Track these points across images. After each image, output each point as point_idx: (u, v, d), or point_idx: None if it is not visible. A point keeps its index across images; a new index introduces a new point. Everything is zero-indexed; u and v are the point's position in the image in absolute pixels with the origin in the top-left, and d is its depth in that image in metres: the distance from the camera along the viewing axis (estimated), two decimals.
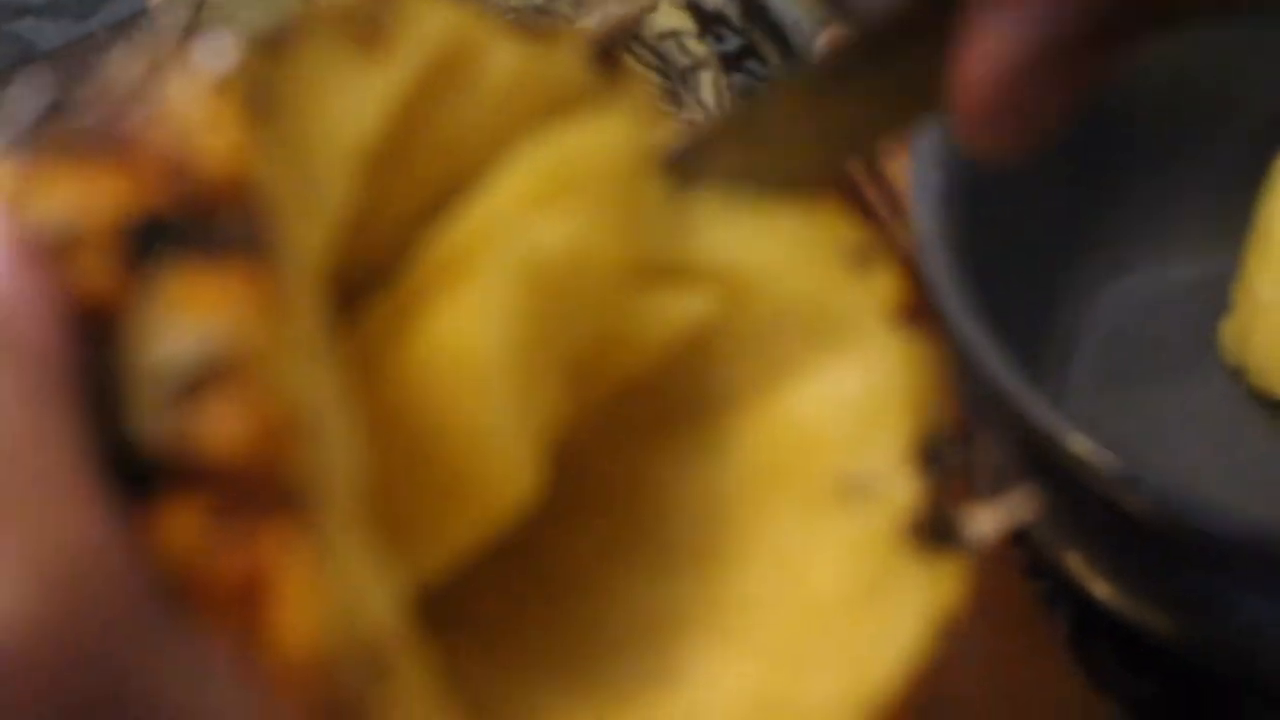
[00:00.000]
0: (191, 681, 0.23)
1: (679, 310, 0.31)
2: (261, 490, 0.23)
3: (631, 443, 0.32)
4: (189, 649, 0.23)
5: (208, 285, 0.23)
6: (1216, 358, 0.49)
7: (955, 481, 0.30)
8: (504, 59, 0.30)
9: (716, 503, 0.32)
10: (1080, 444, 0.39)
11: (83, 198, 0.24)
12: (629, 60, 0.32)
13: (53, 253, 0.24)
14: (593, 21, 0.32)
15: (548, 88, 0.31)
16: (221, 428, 0.23)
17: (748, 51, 0.55)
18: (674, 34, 0.56)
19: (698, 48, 0.55)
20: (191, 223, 0.24)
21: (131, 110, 0.25)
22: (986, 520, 0.30)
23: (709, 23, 0.56)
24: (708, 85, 0.55)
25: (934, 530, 0.29)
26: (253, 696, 0.23)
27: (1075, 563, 0.44)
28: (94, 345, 0.23)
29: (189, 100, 0.25)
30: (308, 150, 0.27)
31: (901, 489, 0.30)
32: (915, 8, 0.29)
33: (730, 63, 0.55)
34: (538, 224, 0.29)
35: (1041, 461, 0.41)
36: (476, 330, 0.27)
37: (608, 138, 0.30)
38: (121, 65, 0.26)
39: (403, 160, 0.30)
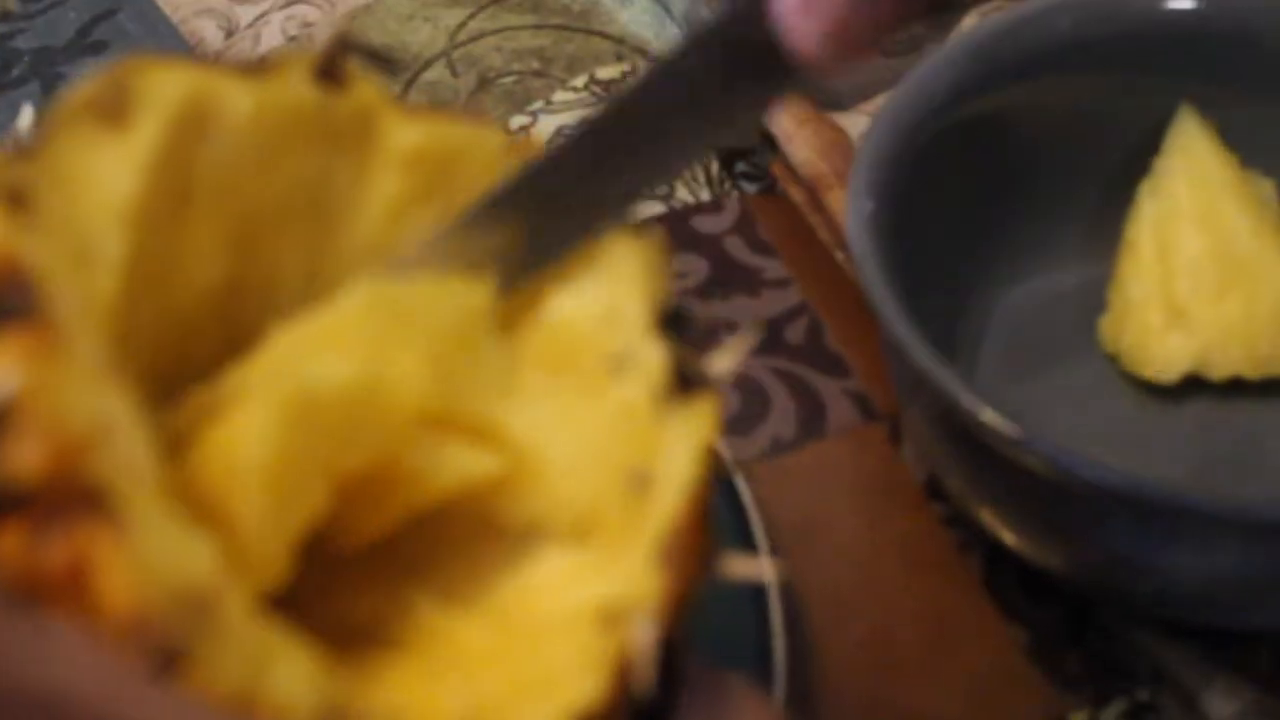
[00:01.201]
0: (47, 657, 0.25)
1: (464, 465, 0.32)
2: (66, 497, 0.25)
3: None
4: (39, 634, 0.25)
5: None
6: (1096, 347, 0.52)
7: (693, 336, 0.32)
8: (239, 99, 0.31)
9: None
10: (989, 415, 0.42)
11: None
12: (355, 71, 0.33)
13: None
14: (313, 44, 0.34)
15: (285, 112, 0.32)
16: (19, 458, 0.25)
17: None
18: None
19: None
20: None
21: None
22: (722, 361, 0.32)
23: None
24: None
25: (685, 379, 0.31)
26: (101, 657, 0.25)
27: (985, 514, 0.47)
28: None
29: None
30: (74, 218, 0.29)
31: (652, 353, 0.32)
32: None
33: None
34: (321, 361, 0.30)
35: (958, 431, 0.45)
36: (239, 445, 0.29)
37: (446, 293, 0.32)
38: None
39: (184, 203, 0.31)
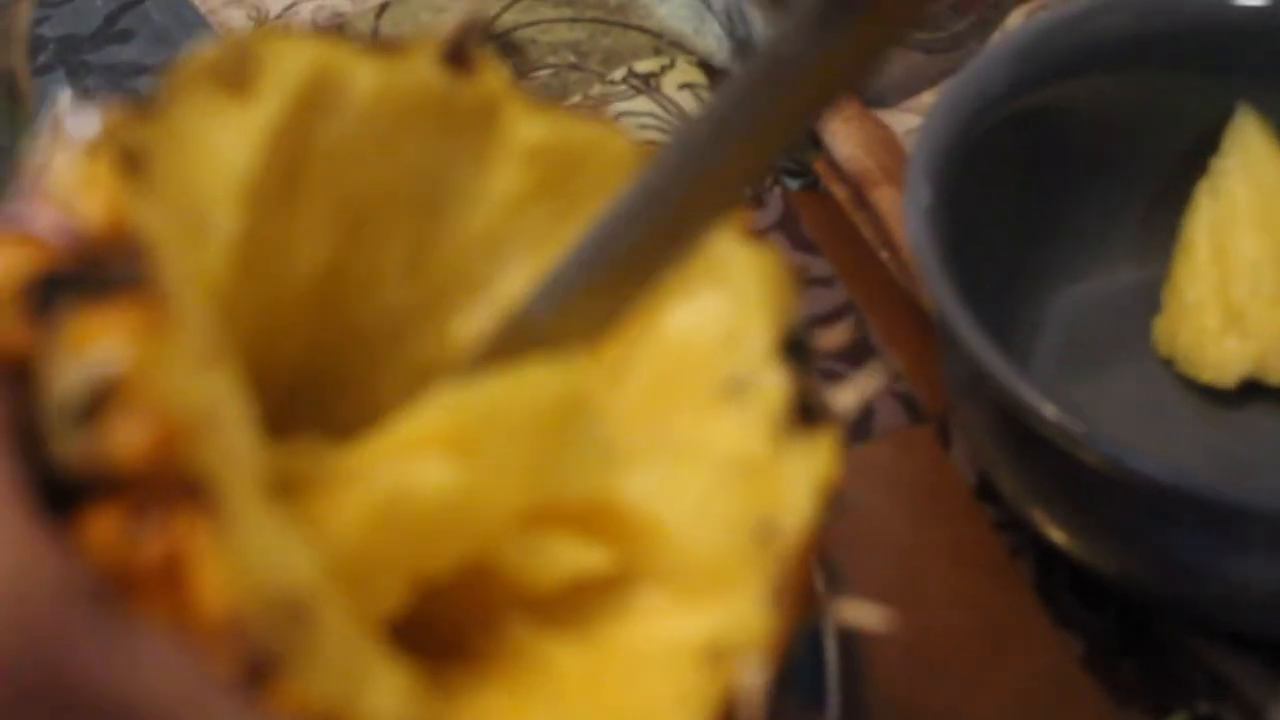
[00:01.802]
0: (128, 661, 0.23)
1: (572, 560, 0.30)
2: (166, 486, 0.23)
3: None
4: (122, 634, 0.23)
5: (99, 320, 0.24)
6: (1151, 350, 0.51)
7: (815, 366, 0.31)
8: (365, 78, 0.30)
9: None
10: (1053, 411, 0.41)
11: None
12: (484, 58, 0.31)
13: None
14: (444, 27, 0.31)
15: (410, 95, 0.31)
16: (122, 440, 0.23)
17: None
18: (690, 85, 0.59)
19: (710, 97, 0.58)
20: (83, 272, 0.25)
21: (30, 187, 0.26)
22: (847, 396, 0.30)
23: (717, 76, 0.59)
24: (671, 84, 0.57)
25: (808, 411, 0.30)
26: (185, 663, 0.23)
27: (1039, 516, 0.46)
28: (16, 393, 0.24)
29: (69, 168, 0.26)
30: (189, 189, 0.28)
31: (773, 381, 0.30)
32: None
33: None
34: (417, 466, 0.28)
35: (1015, 428, 0.43)
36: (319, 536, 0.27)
37: (533, 386, 0.29)
38: (33, 151, 0.27)
39: (298, 181, 0.30)
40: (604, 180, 0.32)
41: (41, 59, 0.65)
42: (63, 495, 0.24)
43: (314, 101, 0.30)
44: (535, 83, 0.61)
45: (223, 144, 0.28)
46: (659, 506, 0.30)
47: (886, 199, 0.54)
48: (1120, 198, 0.52)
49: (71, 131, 0.26)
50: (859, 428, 0.52)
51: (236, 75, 0.29)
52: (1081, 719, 0.46)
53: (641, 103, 0.58)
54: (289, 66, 0.29)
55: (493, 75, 0.32)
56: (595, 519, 0.30)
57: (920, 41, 0.60)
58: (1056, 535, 0.46)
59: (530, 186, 0.33)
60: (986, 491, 0.50)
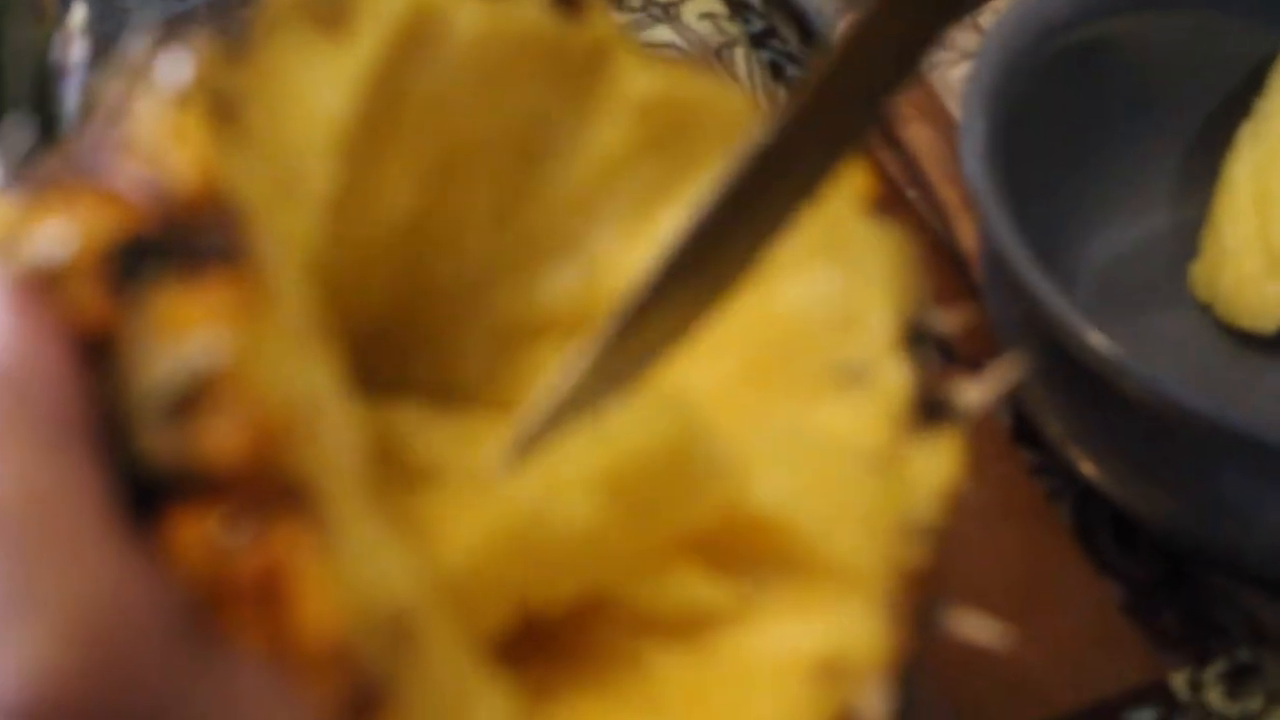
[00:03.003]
0: (224, 702, 0.22)
1: (691, 596, 0.28)
2: (266, 491, 0.21)
3: None
4: (218, 672, 0.22)
5: (192, 300, 0.22)
6: (1188, 294, 0.50)
7: (940, 358, 0.29)
8: (468, 19, 0.28)
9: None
10: (1098, 339, 0.40)
11: (68, 230, 0.22)
12: (593, 2, 0.30)
13: (45, 287, 0.22)
14: None
15: (515, 37, 0.29)
16: (218, 438, 0.21)
17: (770, 33, 0.56)
18: (710, 15, 0.56)
19: (730, 27, 0.56)
20: (171, 239, 0.22)
21: (108, 136, 0.24)
22: (975, 392, 0.29)
23: (737, 7, 0.57)
24: (740, 60, 0.56)
25: (928, 408, 0.28)
26: (285, 702, 0.22)
27: (1082, 459, 0.45)
28: (95, 375, 0.22)
29: (155, 118, 0.23)
30: (282, 141, 0.25)
31: (893, 373, 0.28)
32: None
33: (757, 41, 0.56)
34: (562, 496, 0.26)
35: (1063, 365, 0.42)
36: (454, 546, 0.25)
37: (657, 426, 0.27)
38: (106, 90, 0.24)
39: (391, 129, 0.28)
40: (715, 141, 0.30)
41: None
42: (146, 496, 0.22)
43: (413, 43, 0.28)
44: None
45: (319, 89, 0.26)
46: (792, 510, 0.28)
47: (920, 137, 0.52)
48: (1160, 139, 0.51)
49: (160, 75, 0.23)
50: None
51: (332, 14, 0.27)
52: (1121, 665, 0.45)
53: (661, 31, 0.56)
54: (387, 5, 0.27)
55: (603, 20, 0.30)
56: (730, 539, 0.28)
57: None
58: (1100, 478, 0.45)
59: (637, 143, 0.30)
60: (1024, 435, 0.48)
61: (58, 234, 0.22)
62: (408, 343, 0.31)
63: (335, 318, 0.27)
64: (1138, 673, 0.45)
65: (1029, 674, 0.45)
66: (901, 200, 0.54)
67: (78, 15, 0.31)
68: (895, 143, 0.53)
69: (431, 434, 0.27)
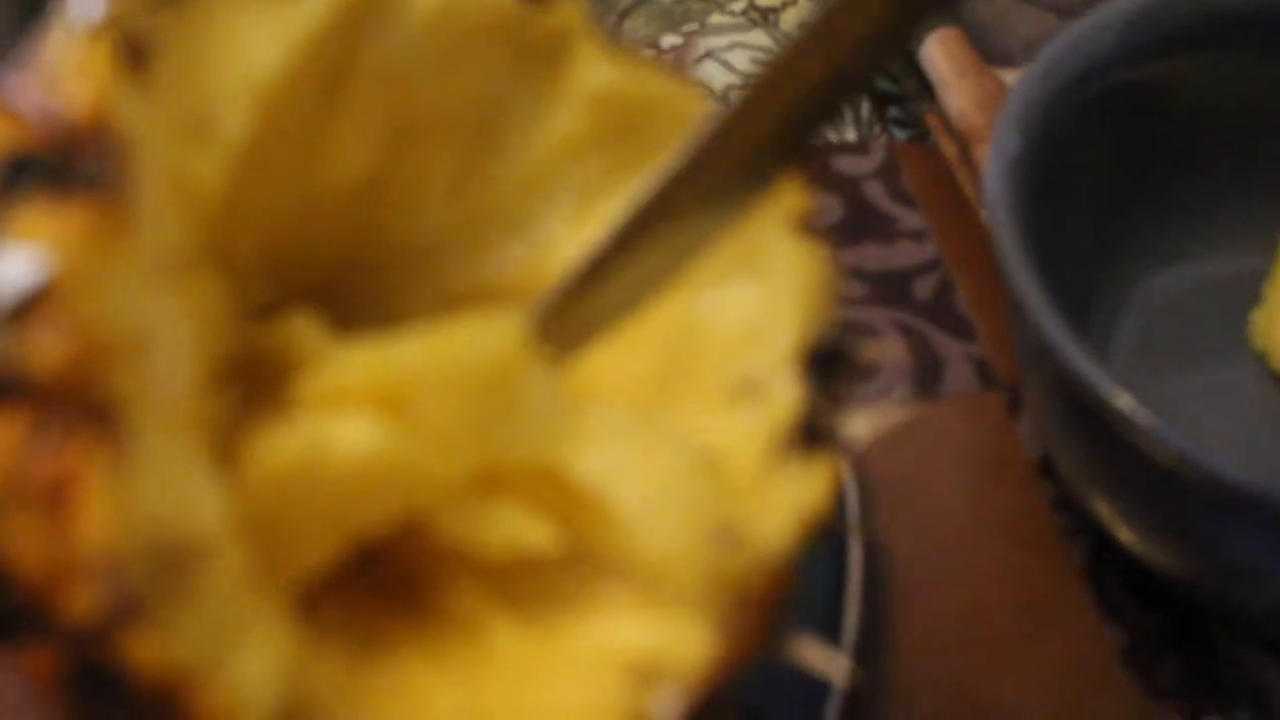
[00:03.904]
0: None
1: (515, 533, 0.28)
2: (76, 405, 0.22)
3: None
4: None
5: (51, 219, 0.23)
6: (1245, 344, 0.48)
7: (837, 384, 0.28)
8: None
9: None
10: (1123, 400, 0.38)
11: None
12: None
13: None
14: None
15: (476, 16, 0.29)
16: (42, 348, 0.22)
17: None
18: None
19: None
20: (54, 162, 0.23)
21: (28, 58, 0.25)
22: (860, 424, 0.28)
23: None
24: (791, 20, 0.55)
25: (812, 433, 0.28)
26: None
27: (1097, 501, 0.43)
28: None
29: (65, 49, 0.24)
30: (199, 86, 0.26)
31: (786, 392, 0.28)
32: None
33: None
34: (338, 424, 0.26)
35: (1080, 410, 0.41)
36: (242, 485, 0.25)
37: (471, 344, 0.27)
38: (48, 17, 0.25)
39: (341, 93, 0.28)
40: (668, 139, 0.30)
41: None
42: None
43: (368, 11, 0.28)
44: (658, 7, 0.59)
45: (252, 42, 0.26)
46: (612, 485, 0.27)
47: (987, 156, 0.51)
48: (1227, 184, 0.49)
49: (74, 10, 0.24)
50: (928, 386, 0.50)
51: None
52: (1113, 711, 0.44)
53: (757, 36, 0.57)
54: None
55: (568, 8, 0.30)
56: (541, 491, 0.28)
57: (1054, 2, 0.57)
58: (1112, 523, 0.44)
59: (589, 132, 0.31)
60: (1048, 467, 0.48)
61: None
62: (354, 300, 0.32)
63: (276, 265, 0.28)
64: (1126, 718, 0.44)
65: (1015, 703, 0.44)
66: (973, 221, 0.54)
67: None
68: (970, 163, 0.53)
69: (317, 355, 0.28)
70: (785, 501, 0.27)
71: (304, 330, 0.29)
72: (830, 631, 0.40)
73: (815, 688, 0.39)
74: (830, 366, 0.28)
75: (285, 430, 0.26)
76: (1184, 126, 0.48)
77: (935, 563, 0.46)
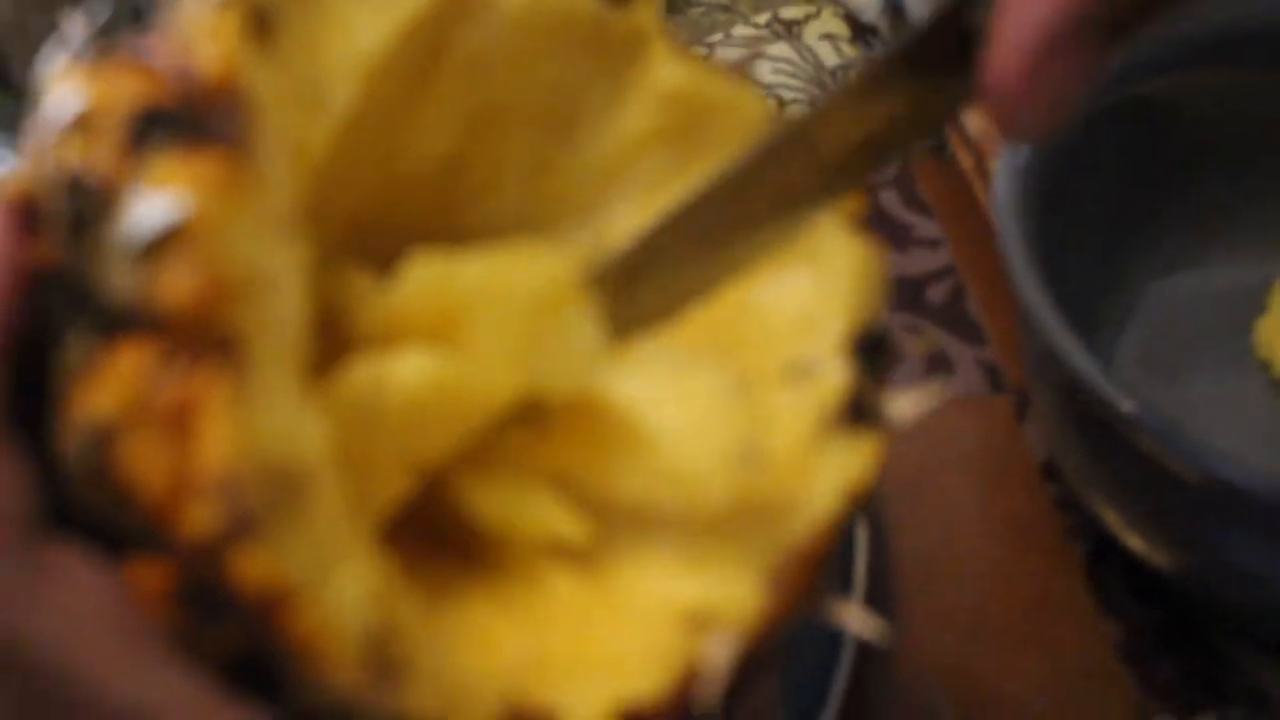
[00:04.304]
0: (36, 604, 0.24)
1: (545, 522, 0.29)
2: (202, 338, 0.24)
3: None
4: (36, 579, 0.24)
5: (185, 167, 0.24)
6: (1249, 351, 0.49)
7: (882, 369, 0.30)
8: None
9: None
10: (1128, 405, 0.39)
11: (106, 92, 0.26)
12: None
13: (77, 132, 0.25)
14: None
15: (561, 13, 0.31)
16: (173, 284, 0.24)
17: None
18: (830, 37, 0.57)
19: (850, 50, 0.57)
20: (185, 117, 0.25)
21: (163, 22, 0.27)
22: (903, 405, 0.30)
23: (862, 31, 0.58)
24: (814, 32, 0.56)
25: (859, 411, 0.29)
26: (101, 614, 0.24)
27: (1099, 502, 0.44)
28: (92, 218, 0.25)
29: (199, 16, 0.26)
30: (314, 59, 0.28)
31: (836, 374, 0.29)
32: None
33: None
34: (394, 360, 0.28)
35: (1084, 412, 0.42)
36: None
37: (518, 271, 0.29)
38: None
39: (432, 76, 0.30)
40: (730, 140, 0.32)
41: None
42: (110, 324, 0.25)
43: (463, 2, 0.30)
44: (686, 18, 0.61)
45: (359, 22, 0.28)
46: (648, 410, 0.29)
47: None
48: (1229, 194, 0.50)
49: None
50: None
51: None
52: (1110, 706, 0.45)
53: (780, 48, 0.58)
54: None
55: (645, 10, 0.31)
56: (579, 421, 0.30)
57: None
58: (1114, 525, 0.45)
59: (658, 129, 0.32)
60: (1053, 469, 0.49)
61: (98, 93, 0.26)
62: None
63: (356, 232, 0.30)
64: (1122, 714, 0.45)
65: (1016, 695, 0.46)
66: (987, 230, 0.54)
67: None
68: (985, 174, 0.54)
69: (375, 303, 0.29)
70: (832, 471, 0.29)
71: (370, 286, 0.30)
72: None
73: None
74: (876, 353, 0.30)
75: (351, 368, 0.28)
76: (1188, 139, 0.49)
77: (942, 558, 0.48)
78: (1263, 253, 0.50)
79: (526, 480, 0.30)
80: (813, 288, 0.31)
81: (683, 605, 0.28)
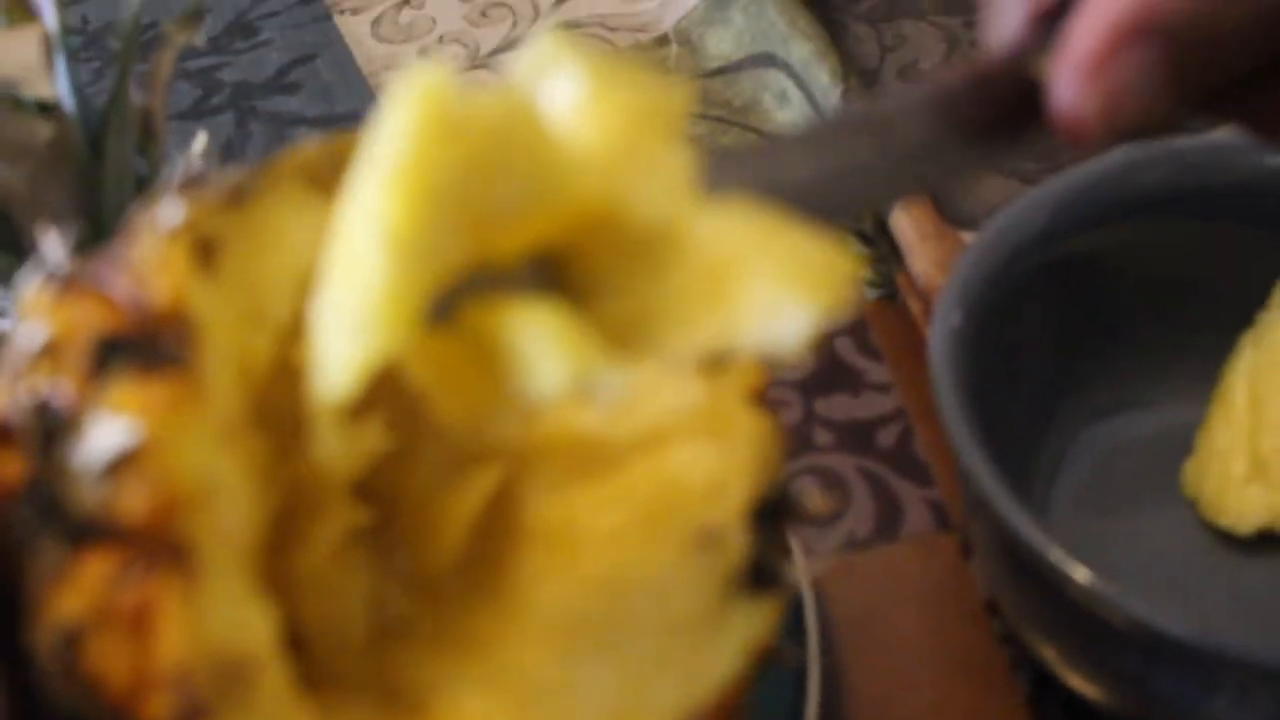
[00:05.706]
0: None
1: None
2: (157, 545, 0.27)
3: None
4: None
5: (139, 391, 0.27)
6: (1178, 491, 0.51)
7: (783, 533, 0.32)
8: None
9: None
10: (1056, 554, 0.42)
11: (70, 321, 0.28)
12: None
13: (46, 359, 0.28)
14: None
15: None
16: (130, 501, 0.27)
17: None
18: None
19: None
20: (140, 343, 0.28)
21: (120, 253, 0.29)
22: (800, 572, 0.32)
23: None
24: None
25: (760, 574, 0.31)
26: None
27: (1036, 641, 0.47)
28: (59, 438, 0.28)
29: (151, 247, 0.29)
30: (256, 277, 0.30)
31: (739, 540, 0.32)
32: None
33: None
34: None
35: (1015, 558, 0.44)
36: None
37: (642, 84, 0.27)
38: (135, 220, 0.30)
39: None
40: None
41: (215, 100, 0.71)
42: (76, 534, 0.28)
43: None
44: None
45: (297, 239, 0.31)
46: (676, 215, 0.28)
47: None
48: (1165, 342, 0.53)
49: (160, 215, 0.30)
50: (888, 528, 0.54)
51: (326, 174, 0.31)
52: None
53: (734, 133, 0.61)
54: None
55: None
56: (599, 233, 0.28)
57: (1018, 168, 0.62)
58: (1051, 661, 0.47)
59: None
60: (995, 605, 0.51)
61: (64, 321, 0.29)
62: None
63: (281, 415, 0.31)
64: None
65: None
66: None
67: (200, 141, 0.35)
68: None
69: None
70: (734, 633, 0.31)
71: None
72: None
73: None
74: (776, 519, 0.33)
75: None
76: (1116, 291, 0.52)
77: (889, 691, 0.50)
78: (1190, 397, 0.52)
79: None
80: (720, 458, 0.33)
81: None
